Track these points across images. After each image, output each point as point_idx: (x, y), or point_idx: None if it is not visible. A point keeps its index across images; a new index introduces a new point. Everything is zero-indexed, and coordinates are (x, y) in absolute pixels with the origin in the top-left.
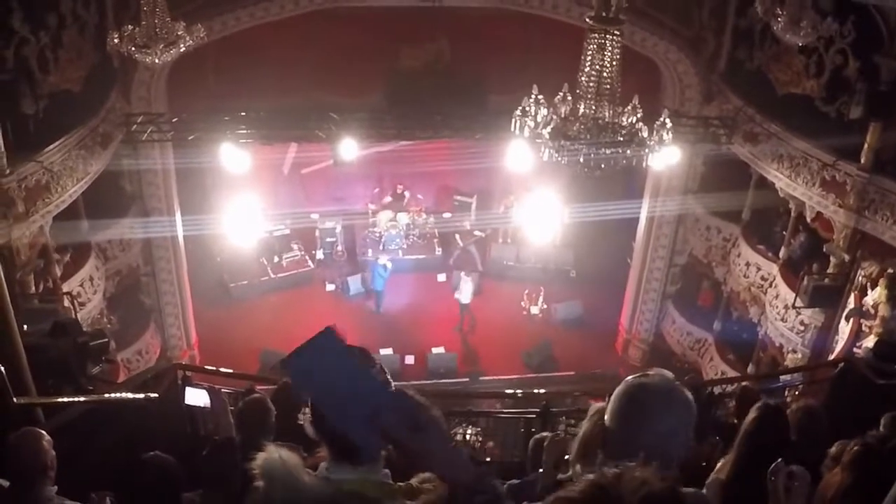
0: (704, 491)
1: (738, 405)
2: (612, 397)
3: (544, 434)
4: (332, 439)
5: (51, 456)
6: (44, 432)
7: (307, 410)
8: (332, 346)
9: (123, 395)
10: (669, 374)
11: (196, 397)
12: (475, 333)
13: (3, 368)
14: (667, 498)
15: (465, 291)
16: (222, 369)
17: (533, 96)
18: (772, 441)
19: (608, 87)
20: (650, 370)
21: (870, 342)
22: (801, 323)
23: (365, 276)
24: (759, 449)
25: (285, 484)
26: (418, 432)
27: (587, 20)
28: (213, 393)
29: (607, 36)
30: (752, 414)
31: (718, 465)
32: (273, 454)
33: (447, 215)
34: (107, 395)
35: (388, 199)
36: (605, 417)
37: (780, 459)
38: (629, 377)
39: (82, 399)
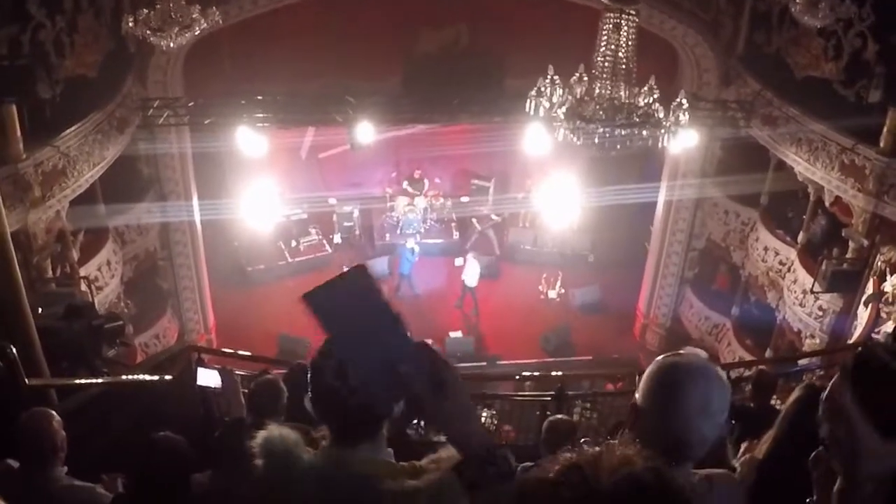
0: (737, 468)
1: (754, 389)
2: (645, 376)
3: (558, 416)
4: (333, 416)
5: (61, 437)
6: (54, 413)
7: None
8: (362, 285)
9: (137, 377)
10: (703, 352)
11: (208, 378)
12: (481, 319)
13: (14, 349)
14: (649, 479)
15: (471, 273)
16: (236, 351)
17: (549, 77)
18: (813, 423)
19: (624, 67)
20: (682, 349)
21: (888, 327)
22: (820, 308)
23: (392, 259)
24: (798, 430)
25: (284, 462)
26: (438, 389)
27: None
28: (224, 373)
29: (623, 15)
30: (794, 394)
31: (743, 447)
32: (273, 432)
33: (465, 199)
34: (120, 378)
35: (405, 183)
36: (637, 397)
37: (820, 448)
38: (661, 356)
39: (95, 381)
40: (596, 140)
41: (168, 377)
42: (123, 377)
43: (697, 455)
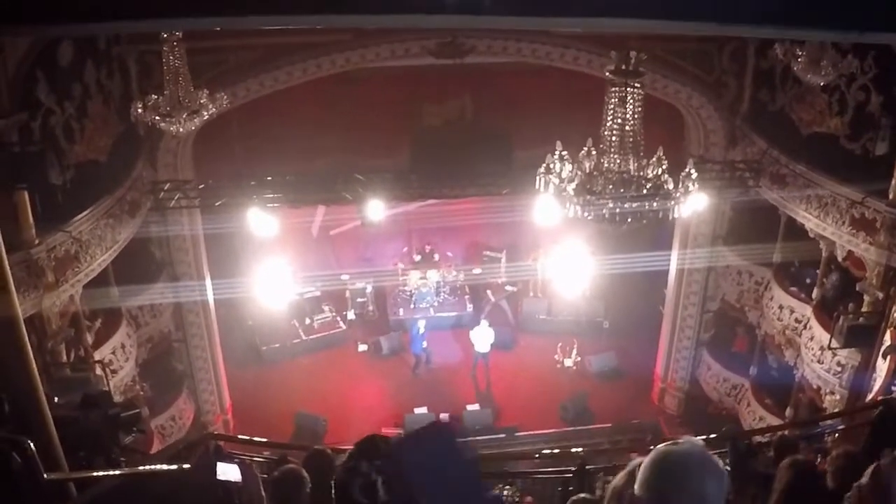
0: None
1: (776, 455)
2: (643, 466)
3: (581, 496)
4: None
5: None
6: None
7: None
8: (448, 445)
9: (155, 467)
10: (700, 441)
11: (227, 472)
12: (498, 389)
13: (32, 445)
14: None
15: (480, 339)
16: (254, 438)
17: (557, 153)
18: (808, 497)
19: (631, 140)
20: (681, 438)
21: None
22: (838, 363)
23: (402, 335)
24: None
25: None
26: None
27: (607, 74)
28: (244, 467)
29: (628, 89)
30: (784, 472)
31: None
32: None
33: (477, 271)
34: (139, 468)
35: (417, 257)
36: (635, 487)
37: None
38: (660, 445)
39: (114, 473)
40: (606, 215)
41: (186, 466)
42: (142, 468)
43: None
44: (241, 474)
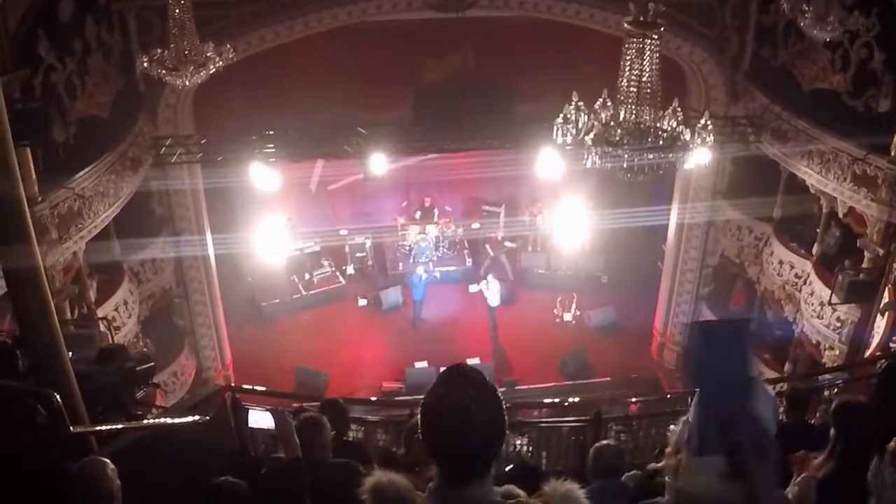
0: (794, 488)
1: (788, 405)
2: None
3: (605, 442)
4: (450, 457)
5: (116, 485)
6: (108, 461)
7: (419, 429)
8: (741, 340)
9: (175, 420)
10: None
11: (260, 420)
12: (499, 340)
13: (59, 397)
14: None
15: (492, 294)
16: (269, 389)
17: (573, 103)
18: (868, 438)
19: (648, 91)
20: None
21: None
22: (838, 319)
23: (404, 288)
24: (856, 447)
25: None
26: (762, 458)
27: (625, 24)
28: (277, 415)
29: (646, 40)
30: (838, 415)
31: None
32: (381, 478)
33: (476, 225)
34: (159, 421)
35: (416, 212)
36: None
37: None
38: None
39: (136, 425)
40: (625, 165)
41: (206, 418)
42: (162, 420)
43: None
44: (275, 422)
